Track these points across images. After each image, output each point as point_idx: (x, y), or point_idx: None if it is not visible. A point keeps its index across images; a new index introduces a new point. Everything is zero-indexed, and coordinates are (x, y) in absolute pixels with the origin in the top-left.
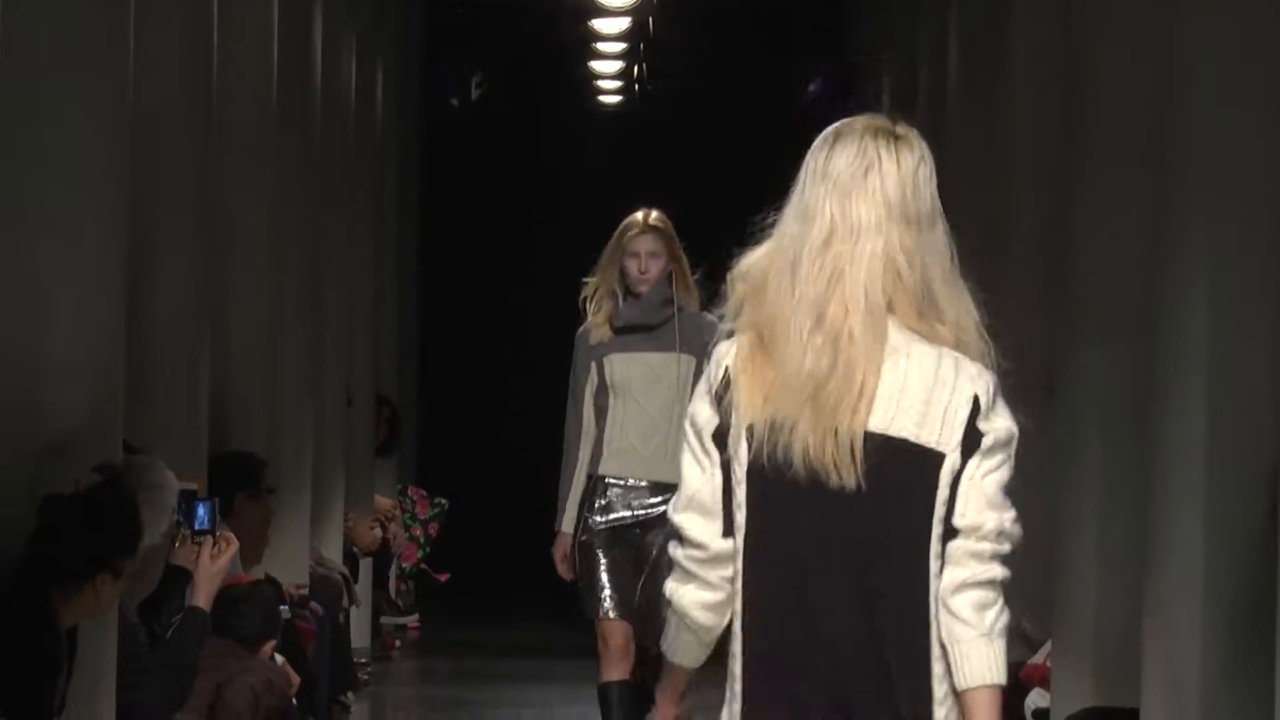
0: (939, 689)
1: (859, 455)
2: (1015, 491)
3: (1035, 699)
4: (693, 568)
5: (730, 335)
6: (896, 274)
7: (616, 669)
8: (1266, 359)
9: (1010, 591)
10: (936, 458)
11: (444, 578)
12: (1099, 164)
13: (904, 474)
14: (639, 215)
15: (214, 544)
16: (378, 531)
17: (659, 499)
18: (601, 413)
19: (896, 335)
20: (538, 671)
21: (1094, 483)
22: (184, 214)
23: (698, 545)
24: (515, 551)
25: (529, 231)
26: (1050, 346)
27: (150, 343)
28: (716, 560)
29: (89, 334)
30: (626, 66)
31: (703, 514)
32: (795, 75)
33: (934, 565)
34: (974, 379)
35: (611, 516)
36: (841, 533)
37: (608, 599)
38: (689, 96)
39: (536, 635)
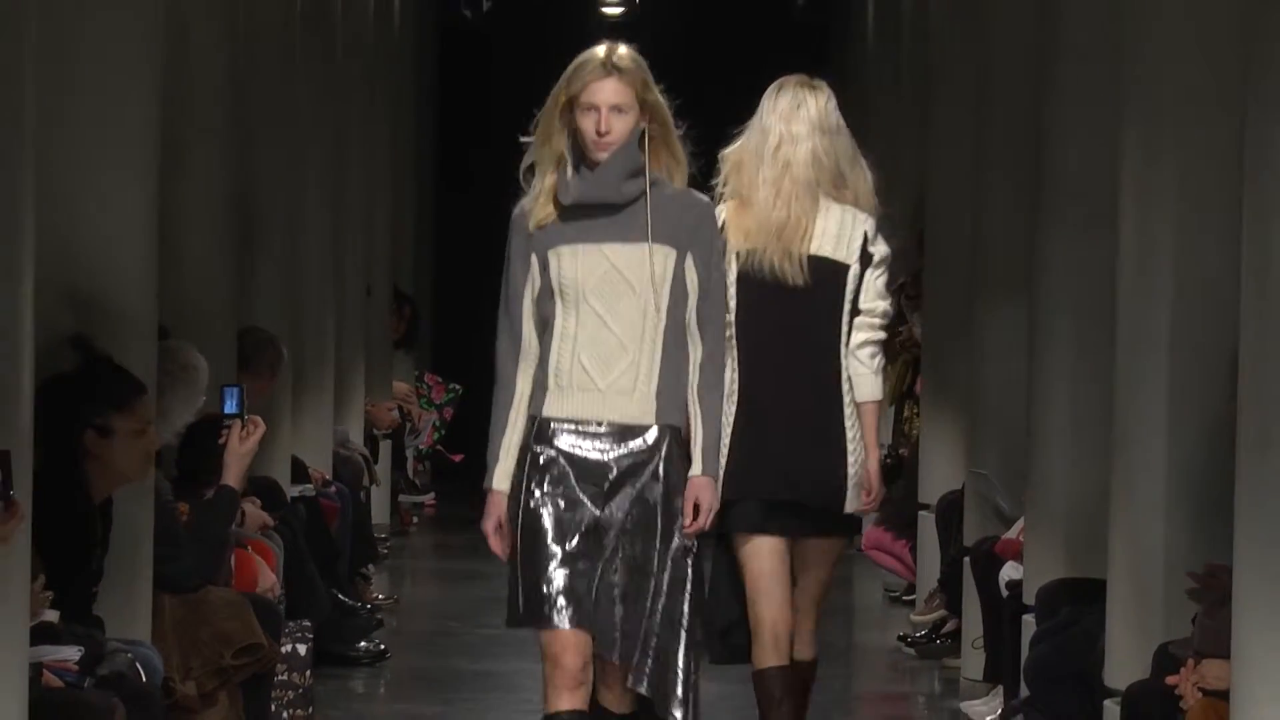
0: (845, 400)
1: (805, 267)
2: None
3: (1009, 571)
4: None
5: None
6: (819, 162)
7: (569, 695)
8: (1227, 251)
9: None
10: (844, 268)
11: (458, 458)
12: (1070, 66)
13: (827, 278)
14: (598, 51)
15: (242, 427)
16: (395, 413)
17: (628, 447)
18: (545, 325)
19: (822, 199)
20: None
21: (1065, 369)
22: (212, 115)
23: None
24: None
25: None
26: (1027, 238)
27: (181, 236)
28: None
29: (124, 227)
30: None
31: None
32: None
33: (844, 332)
34: (863, 222)
35: (565, 487)
36: (795, 313)
37: (560, 602)
38: (688, 9)
39: None
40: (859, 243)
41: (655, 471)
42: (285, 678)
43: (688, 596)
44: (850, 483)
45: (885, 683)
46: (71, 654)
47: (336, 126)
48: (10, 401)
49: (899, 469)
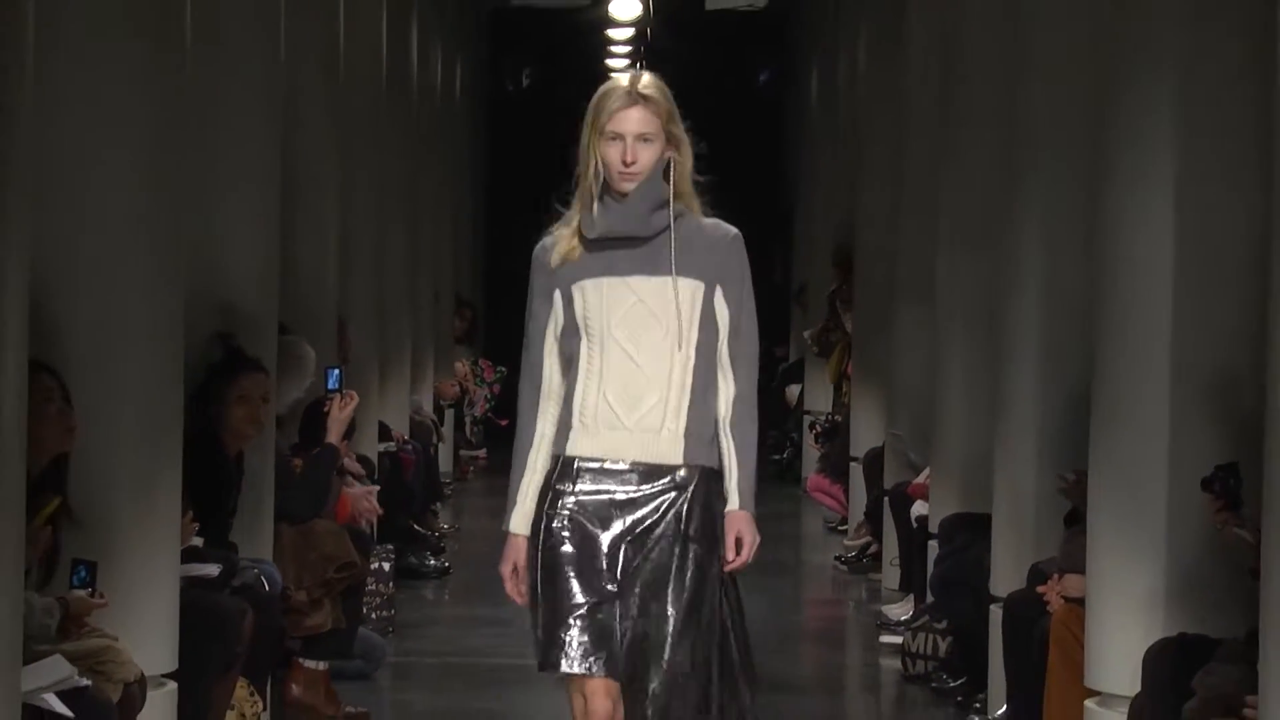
0: None
1: None
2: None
3: (918, 508)
4: None
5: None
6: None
7: None
8: (1082, 264)
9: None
10: None
11: (504, 423)
12: (963, 132)
13: None
14: (622, 79)
15: (341, 399)
16: (457, 389)
17: (655, 487)
18: (570, 363)
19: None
20: None
21: (960, 355)
22: (320, 164)
23: None
24: None
25: (565, 180)
26: (931, 256)
27: (297, 255)
28: None
29: (254, 250)
30: (632, 64)
31: None
32: (752, 67)
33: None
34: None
35: (588, 529)
36: None
37: (584, 650)
38: (676, 85)
39: None
40: None
41: (682, 512)
42: (374, 588)
43: (733, 640)
44: None
45: (824, 592)
46: (212, 570)
47: (413, 171)
48: (168, 384)
49: (836, 431)
